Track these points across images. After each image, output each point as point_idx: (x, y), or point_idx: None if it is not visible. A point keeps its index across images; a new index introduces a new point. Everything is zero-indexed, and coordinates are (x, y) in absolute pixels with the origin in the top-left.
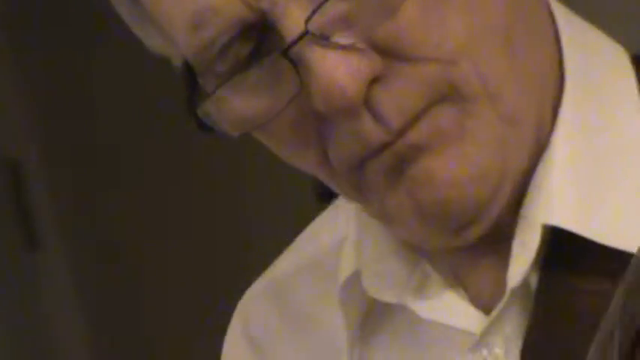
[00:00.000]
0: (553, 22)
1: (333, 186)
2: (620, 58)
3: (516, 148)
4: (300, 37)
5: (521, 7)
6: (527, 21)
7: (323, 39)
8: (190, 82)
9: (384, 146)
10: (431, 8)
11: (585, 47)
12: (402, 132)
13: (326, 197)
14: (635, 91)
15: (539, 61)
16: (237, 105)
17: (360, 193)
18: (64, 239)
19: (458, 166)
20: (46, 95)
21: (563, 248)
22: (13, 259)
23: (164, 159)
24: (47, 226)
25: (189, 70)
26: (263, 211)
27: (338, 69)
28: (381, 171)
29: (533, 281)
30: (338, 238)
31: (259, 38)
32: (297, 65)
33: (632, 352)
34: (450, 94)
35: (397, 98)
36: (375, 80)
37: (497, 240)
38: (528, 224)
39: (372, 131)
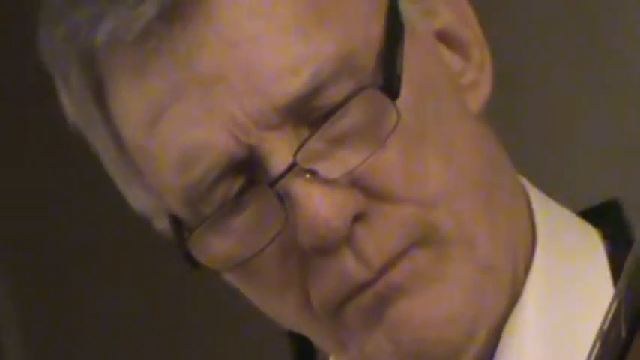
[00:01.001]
0: (524, 190)
1: (311, 332)
2: (588, 231)
3: (492, 295)
4: (288, 169)
5: (497, 167)
6: (502, 180)
7: (309, 172)
8: (177, 230)
9: (365, 285)
10: (412, 151)
11: (555, 219)
12: (382, 271)
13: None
14: (604, 260)
15: (513, 219)
16: (220, 243)
17: (338, 337)
18: None
19: (433, 308)
20: None
21: None
22: None
23: None
24: None
25: (175, 220)
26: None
27: (324, 203)
28: (360, 312)
29: None
30: None
31: (247, 174)
32: (284, 200)
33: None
34: (428, 236)
35: (378, 238)
36: (357, 218)
37: None
38: None
39: (353, 269)
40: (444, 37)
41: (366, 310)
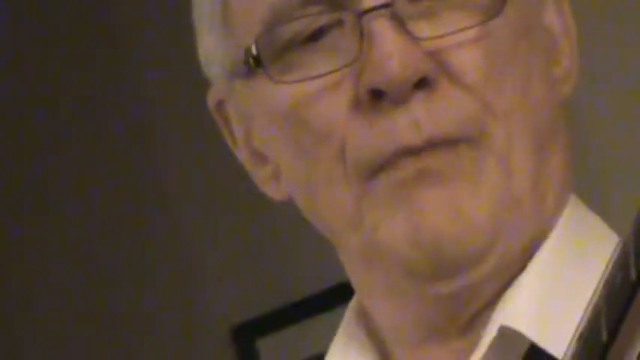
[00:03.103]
0: (568, 190)
1: (333, 198)
2: (613, 238)
3: (513, 229)
4: (381, 6)
5: (562, 150)
6: (557, 161)
7: (399, 20)
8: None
9: (409, 153)
10: (498, 58)
11: (585, 220)
12: (431, 143)
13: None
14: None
15: (553, 191)
16: (294, 60)
17: (359, 208)
18: None
19: (464, 205)
20: None
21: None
22: None
23: None
24: None
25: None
26: None
27: (399, 49)
28: (393, 183)
29: None
30: None
31: (336, 12)
32: (364, 36)
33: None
34: (479, 137)
35: (437, 111)
36: (423, 83)
37: (463, 334)
38: (492, 324)
39: (403, 129)
40: (546, 34)
41: (399, 183)
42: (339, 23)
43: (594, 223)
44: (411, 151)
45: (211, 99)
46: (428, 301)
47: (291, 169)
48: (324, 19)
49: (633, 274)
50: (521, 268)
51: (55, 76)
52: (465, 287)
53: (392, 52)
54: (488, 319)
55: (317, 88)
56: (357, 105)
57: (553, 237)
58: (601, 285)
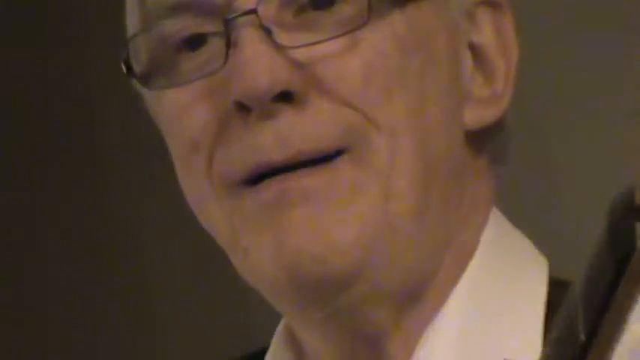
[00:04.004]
0: (488, 212)
1: (209, 212)
2: (537, 259)
3: (389, 255)
4: (248, 12)
5: (464, 172)
6: (463, 186)
7: (264, 29)
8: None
9: (273, 171)
10: (382, 76)
11: (506, 242)
12: (296, 159)
13: None
14: (543, 289)
15: (454, 219)
16: (162, 63)
17: (233, 225)
18: None
19: (330, 226)
20: None
21: None
22: None
23: None
24: None
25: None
26: None
27: (258, 57)
28: (258, 206)
29: None
30: None
31: (209, 24)
32: (231, 45)
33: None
34: (356, 145)
35: (304, 124)
36: (288, 96)
37: None
38: None
39: (267, 144)
40: (475, 51)
41: (264, 206)
42: (210, 26)
43: (517, 247)
44: (275, 169)
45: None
46: (328, 329)
47: (181, 180)
48: (196, 27)
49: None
50: (436, 299)
51: None
52: (344, 312)
53: (249, 60)
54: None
55: (189, 96)
56: (226, 115)
57: (467, 274)
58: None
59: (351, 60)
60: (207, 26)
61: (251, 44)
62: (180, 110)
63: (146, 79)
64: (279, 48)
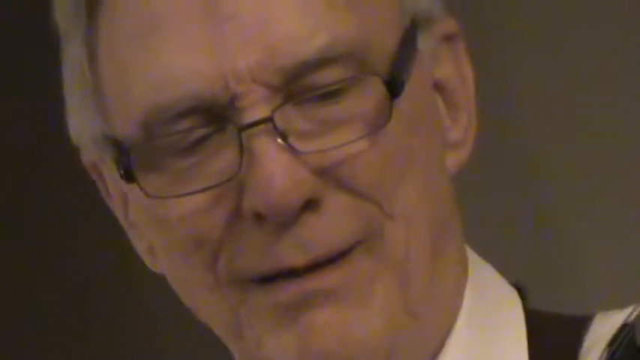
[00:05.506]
0: (465, 256)
1: (205, 306)
2: (510, 294)
3: (411, 341)
4: (263, 121)
5: (451, 228)
6: (452, 240)
7: (281, 137)
8: (119, 150)
9: (292, 273)
10: (394, 160)
11: (483, 285)
12: (316, 262)
13: None
14: (522, 317)
15: (451, 283)
16: (166, 168)
17: (235, 320)
18: None
19: (355, 326)
20: None
21: None
22: None
23: None
24: None
25: (117, 142)
26: None
27: (281, 170)
28: (276, 305)
29: None
30: None
31: (213, 124)
32: (244, 151)
33: None
34: (373, 236)
35: (324, 226)
36: (308, 204)
37: None
38: None
39: (287, 252)
40: (440, 89)
41: (284, 305)
42: (219, 131)
43: (494, 289)
44: (294, 272)
45: (85, 158)
46: None
47: (168, 265)
48: (203, 131)
49: None
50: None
51: None
52: None
53: (273, 174)
54: None
55: (194, 202)
56: (237, 216)
57: (456, 332)
58: None
59: (370, 155)
60: (210, 125)
61: (270, 155)
62: (182, 214)
63: (148, 186)
64: (296, 154)
